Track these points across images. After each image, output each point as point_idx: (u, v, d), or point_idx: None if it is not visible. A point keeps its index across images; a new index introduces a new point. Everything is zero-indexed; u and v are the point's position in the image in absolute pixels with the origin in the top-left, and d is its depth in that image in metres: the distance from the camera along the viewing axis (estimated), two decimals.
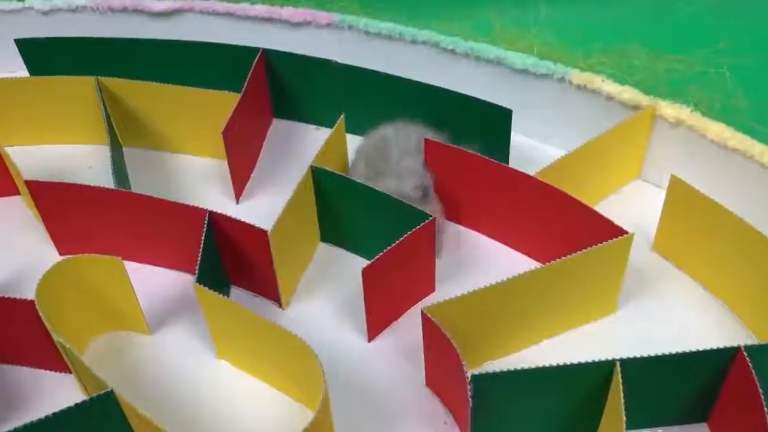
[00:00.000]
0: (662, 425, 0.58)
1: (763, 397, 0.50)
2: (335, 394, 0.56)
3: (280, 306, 0.68)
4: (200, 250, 0.61)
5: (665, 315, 0.66)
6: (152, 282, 0.70)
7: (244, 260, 0.66)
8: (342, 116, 0.72)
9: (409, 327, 0.65)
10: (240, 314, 0.58)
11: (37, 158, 0.82)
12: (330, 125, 0.74)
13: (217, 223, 0.65)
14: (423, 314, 0.56)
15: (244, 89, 0.75)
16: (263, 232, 0.62)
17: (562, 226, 0.65)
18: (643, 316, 0.66)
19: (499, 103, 0.72)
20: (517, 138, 0.76)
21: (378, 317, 0.64)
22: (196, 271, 0.60)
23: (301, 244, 0.70)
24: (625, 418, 0.50)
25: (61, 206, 0.68)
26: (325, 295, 0.69)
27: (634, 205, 0.75)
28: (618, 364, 0.52)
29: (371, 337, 0.65)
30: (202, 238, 0.62)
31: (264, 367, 0.61)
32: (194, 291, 0.60)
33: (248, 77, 0.76)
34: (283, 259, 0.65)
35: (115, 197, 0.67)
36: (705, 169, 0.71)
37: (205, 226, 0.63)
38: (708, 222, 0.64)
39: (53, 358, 0.62)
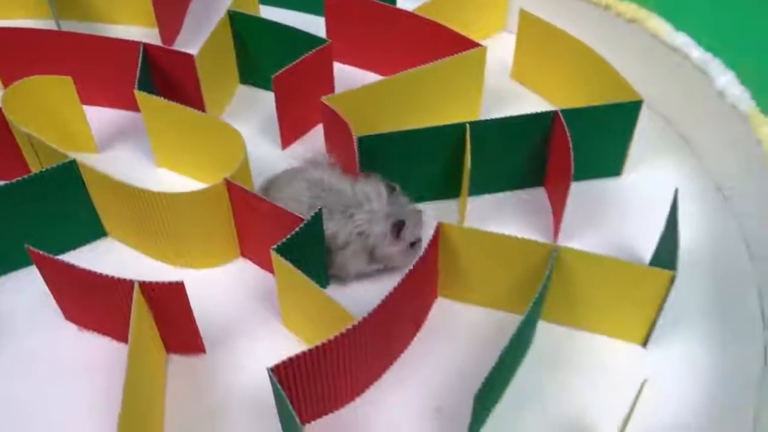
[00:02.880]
0: (510, 189, 0.75)
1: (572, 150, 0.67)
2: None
3: None
4: (137, 76, 0.74)
5: None
6: (97, 116, 0.83)
7: (176, 87, 0.80)
8: None
9: (317, 136, 0.81)
10: (177, 112, 0.71)
11: None
12: None
13: (151, 54, 0.78)
14: (323, 103, 0.72)
15: None
16: (190, 56, 0.76)
17: (434, 52, 0.81)
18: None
19: None
20: None
21: (289, 126, 0.79)
22: (136, 82, 0.73)
23: (222, 78, 0.84)
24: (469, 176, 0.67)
25: (4, 51, 0.80)
26: (246, 118, 0.83)
27: (498, 48, 0.91)
28: (468, 125, 0.68)
29: (284, 145, 0.80)
30: (138, 66, 0.75)
31: (196, 160, 0.75)
32: (137, 98, 0.73)
33: None
34: (208, 84, 0.79)
35: (57, 38, 0.79)
36: (560, 16, 0.87)
37: (140, 55, 0.76)
38: (553, 47, 0.81)
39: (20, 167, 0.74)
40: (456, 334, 0.64)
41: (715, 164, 0.76)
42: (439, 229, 0.60)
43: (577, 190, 0.75)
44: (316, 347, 0.52)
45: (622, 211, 0.74)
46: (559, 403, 0.59)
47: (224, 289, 0.68)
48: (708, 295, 0.66)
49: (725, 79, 0.71)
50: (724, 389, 0.60)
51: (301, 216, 0.61)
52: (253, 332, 0.65)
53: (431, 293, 0.65)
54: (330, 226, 0.64)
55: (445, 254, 0.63)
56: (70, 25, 0.94)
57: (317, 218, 0.61)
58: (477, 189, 0.74)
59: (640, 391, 0.51)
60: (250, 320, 0.65)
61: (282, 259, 0.58)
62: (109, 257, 0.70)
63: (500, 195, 0.75)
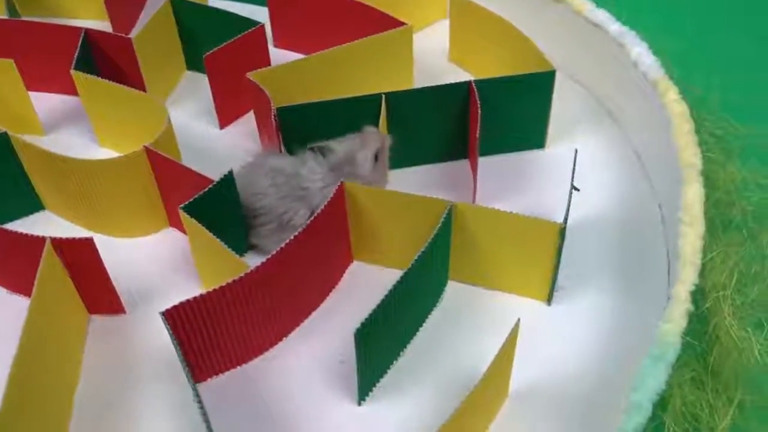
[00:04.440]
0: (436, 162, 0.77)
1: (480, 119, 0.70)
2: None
3: None
4: (74, 57, 0.78)
5: None
6: (46, 102, 0.87)
7: (119, 71, 0.83)
8: None
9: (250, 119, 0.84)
10: (108, 89, 0.75)
11: None
12: None
13: (94, 39, 0.82)
14: (247, 78, 0.74)
15: None
16: (128, 40, 0.80)
17: (368, 34, 0.84)
18: None
19: None
20: None
21: (226, 106, 0.82)
22: (73, 60, 0.77)
23: (167, 63, 0.87)
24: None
25: None
26: (189, 102, 0.86)
27: (439, 33, 0.93)
28: (383, 96, 0.71)
29: (222, 125, 0.83)
30: (77, 48, 0.79)
31: (132, 136, 0.78)
32: (74, 78, 0.76)
33: None
34: (150, 69, 0.82)
35: (1, 24, 0.83)
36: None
37: (81, 39, 0.80)
38: (483, 28, 0.83)
39: None
40: (367, 295, 0.65)
41: (635, 132, 0.78)
42: (342, 189, 0.62)
43: (500, 162, 0.77)
44: (208, 293, 0.54)
45: (544, 182, 0.76)
46: (460, 359, 0.61)
47: (150, 255, 0.70)
48: (617, 256, 0.68)
49: (638, 50, 0.73)
50: (622, 345, 0.61)
51: (209, 179, 0.64)
52: (175, 295, 0.66)
53: (342, 255, 0.67)
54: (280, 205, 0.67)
55: (354, 216, 0.65)
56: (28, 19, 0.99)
57: (227, 181, 0.64)
58: (401, 161, 0.76)
59: (512, 332, 0.52)
60: (174, 285, 0.68)
61: (190, 218, 0.61)
62: (44, 230, 0.73)
63: (425, 167, 0.77)
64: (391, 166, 0.76)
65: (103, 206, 0.69)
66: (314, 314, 0.65)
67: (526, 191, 0.74)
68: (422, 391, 0.59)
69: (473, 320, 0.64)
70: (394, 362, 0.61)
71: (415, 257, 0.57)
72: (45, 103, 0.86)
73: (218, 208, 0.63)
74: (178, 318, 0.54)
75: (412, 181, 0.76)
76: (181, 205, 0.61)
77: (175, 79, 0.89)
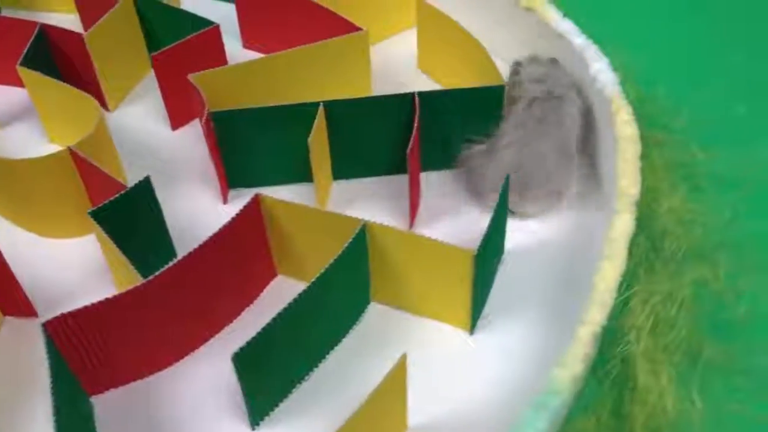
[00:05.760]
0: (382, 174, 0.74)
1: (419, 132, 0.66)
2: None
3: (107, 110, 0.84)
4: (27, 48, 0.77)
5: None
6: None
7: (75, 68, 0.82)
8: None
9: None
10: (49, 85, 0.74)
11: None
12: None
13: (50, 35, 0.81)
14: (188, 80, 0.72)
15: None
16: (80, 36, 0.78)
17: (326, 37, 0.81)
18: None
19: None
20: None
21: (178, 107, 0.80)
22: (20, 58, 0.76)
23: (126, 61, 0.85)
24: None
25: None
26: (147, 101, 0.85)
27: (410, 42, 0.90)
28: (322, 104, 0.68)
29: (174, 126, 0.81)
30: (28, 44, 0.77)
31: (76, 132, 0.76)
32: (20, 73, 0.75)
33: None
34: (107, 67, 0.81)
35: None
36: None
37: (35, 34, 0.79)
38: (449, 37, 0.79)
39: None
40: None
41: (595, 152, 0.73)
42: (256, 201, 0.60)
43: (449, 177, 0.74)
44: (93, 304, 0.52)
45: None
46: (368, 385, 0.57)
47: (74, 259, 0.69)
48: (553, 286, 0.63)
49: (597, 66, 0.69)
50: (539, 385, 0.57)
51: (124, 185, 0.61)
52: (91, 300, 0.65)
53: (262, 268, 0.64)
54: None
55: (273, 230, 0.62)
56: (7, 13, 0.98)
57: (142, 187, 0.61)
58: (344, 172, 0.73)
59: (396, 367, 0.49)
60: (93, 290, 0.66)
61: (97, 225, 0.59)
62: None
63: (369, 180, 0.74)
64: (335, 176, 0.74)
65: (34, 206, 0.68)
66: (228, 328, 0.63)
67: (471, 209, 0.71)
68: (322, 417, 0.56)
69: (389, 345, 0.60)
70: (299, 384, 0.58)
71: (313, 279, 0.54)
72: (3, 95, 0.85)
73: (132, 215, 0.61)
74: (62, 330, 0.52)
75: (353, 192, 0.73)
76: (89, 210, 0.59)
77: (136, 78, 0.87)
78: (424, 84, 0.85)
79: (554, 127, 0.67)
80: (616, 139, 0.62)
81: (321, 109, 0.68)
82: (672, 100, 0.71)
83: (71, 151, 0.65)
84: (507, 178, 0.60)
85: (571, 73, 0.71)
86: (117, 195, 0.60)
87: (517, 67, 0.73)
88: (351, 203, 0.72)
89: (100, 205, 0.59)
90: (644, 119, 0.69)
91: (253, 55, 0.90)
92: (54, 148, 0.79)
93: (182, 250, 0.67)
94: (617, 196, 0.57)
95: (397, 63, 0.87)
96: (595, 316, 0.48)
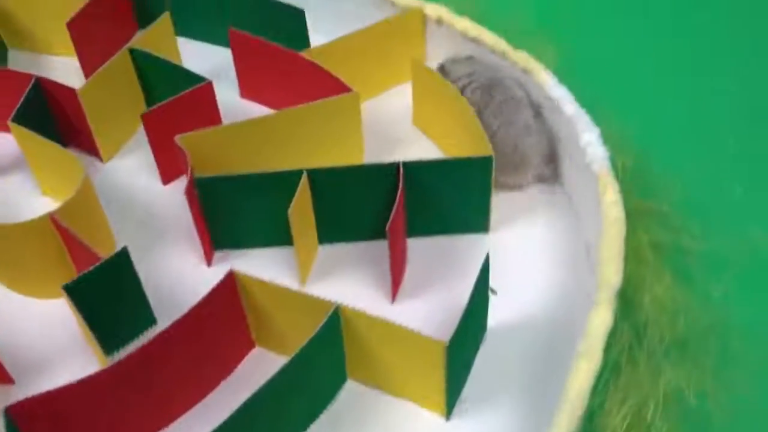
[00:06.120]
0: (358, 240, 0.73)
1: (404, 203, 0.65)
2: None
3: (101, 161, 0.84)
4: (20, 103, 0.77)
5: None
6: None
7: (70, 121, 0.82)
8: (166, 14, 0.88)
9: None
10: (36, 142, 0.74)
11: None
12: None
13: (46, 88, 0.81)
14: (175, 141, 0.72)
15: None
16: (73, 90, 0.78)
17: (320, 96, 0.80)
18: None
19: None
20: None
21: (169, 163, 0.80)
22: (13, 113, 0.76)
23: (121, 114, 0.85)
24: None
25: None
26: (140, 155, 0.84)
27: (405, 95, 0.88)
28: (305, 173, 0.67)
29: (165, 181, 0.81)
30: (23, 98, 0.78)
31: (67, 186, 0.76)
32: (11, 129, 0.76)
33: None
34: (101, 120, 0.81)
35: None
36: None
37: (30, 87, 0.79)
38: (441, 97, 0.78)
39: None
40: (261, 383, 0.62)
41: (589, 223, 0.71)
42: (231, 277, 0.59)
43: (435, 245, 0.72)
44: (58, 389, 0.52)
45: (476, 270, 0.70)
46: None
47: (55, 322, 0.68)
48: (534, 369, 0.62)
49: (588, 137, 0.67)
50: None
51: (99, 257, 0.61)
52: (71, 368, 0.65)
53: (239, 340, 0.63)
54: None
55: (248, 304, 0.61)
56: (19, 55, 0.99)
57: (118, 259, 0.61)
58: (328, 237, 0.72)
59: None
60: (72, 356, 0.66)
61: (69, 299, 0.59)
62: None
63: (356, 244, 0.73)
64: (320, 240, 0.73)
65: (17, 267, 0.68)
66: (204, 401, 0.62)
67: (456, 278, 0.69)
68: None
69: (362, 427, 0.59)
70: None
71: (288, 359, 0.53)
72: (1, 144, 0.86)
73: (108, 286, 0.61)
74: (26, 414, 0.52)
75: (337, 257, 0.72)
76: (63, 284, 0.59)
77: (130, 131, 0.87)
78: (418, 141, 0.84)
79: (513, 103, 0.74)
80: (602, 219, 0.61)
81: (304, 177, 0.67)
82: (666, 169, 0.69)
83: (52, 218, 0.65)
84: (487, 257, 0.59)
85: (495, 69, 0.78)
86: (91, 268, 0.60)
87: (443, 69, 0.80)
88: (335, 268, 0.71)
89: (74, 279, 0.59)
90: (634, 190, 0.68)
91: (251, 105, 0.90)
92: (46, 200, 0.80)
93: (162, 312, 0.67)
94: (598, 285, 0.56)
95: (393, 117, 0.86)
96: (563, 424, 0.46)
